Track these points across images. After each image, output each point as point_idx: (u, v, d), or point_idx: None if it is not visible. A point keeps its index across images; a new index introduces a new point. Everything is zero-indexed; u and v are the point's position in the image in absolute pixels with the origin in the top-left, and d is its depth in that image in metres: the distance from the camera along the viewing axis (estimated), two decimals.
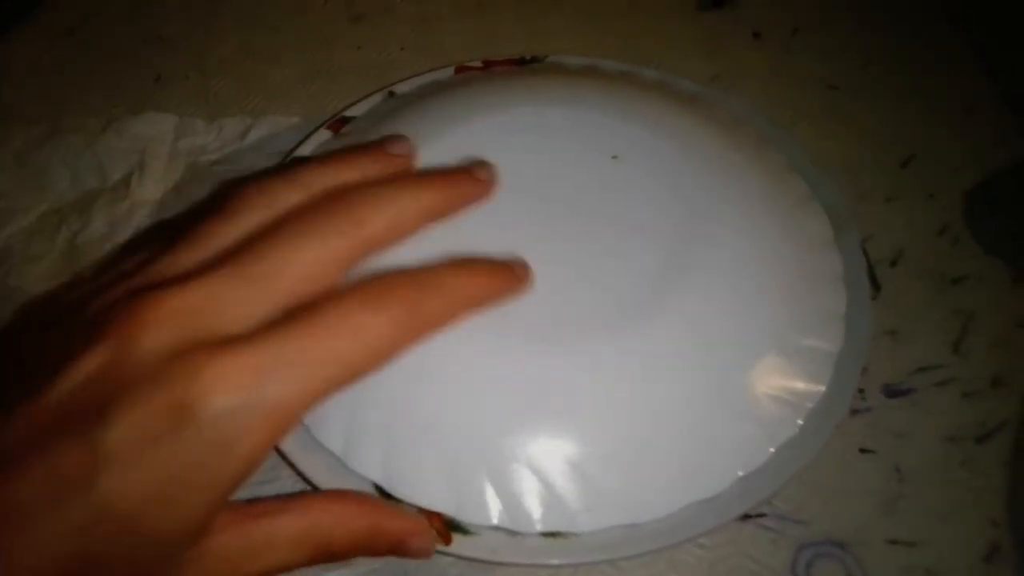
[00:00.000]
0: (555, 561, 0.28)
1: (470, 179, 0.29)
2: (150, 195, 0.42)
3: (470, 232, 0.30)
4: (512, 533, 0.28)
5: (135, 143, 0.44)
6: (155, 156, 0.44)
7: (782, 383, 0.30)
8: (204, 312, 0.22)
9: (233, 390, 0.20)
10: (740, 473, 0.29)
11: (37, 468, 0.20)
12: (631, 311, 0.30)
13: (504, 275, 0.28)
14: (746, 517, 0.32)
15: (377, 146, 0.30)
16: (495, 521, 0.27)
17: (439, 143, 0.33)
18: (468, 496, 0.27)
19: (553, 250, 0.31)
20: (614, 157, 0.34)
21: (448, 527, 0.28)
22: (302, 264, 0.23)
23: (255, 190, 0.25)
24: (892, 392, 0.36)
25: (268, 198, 0.25)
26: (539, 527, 0.27)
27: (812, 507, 0.33)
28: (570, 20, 0.51)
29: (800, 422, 0.30)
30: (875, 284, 0.38)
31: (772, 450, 0.29)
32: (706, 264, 0.31)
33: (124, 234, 0.41)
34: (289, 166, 0.28)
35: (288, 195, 0.25)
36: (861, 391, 0.35)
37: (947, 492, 0.33)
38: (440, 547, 0.28)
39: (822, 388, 0.30)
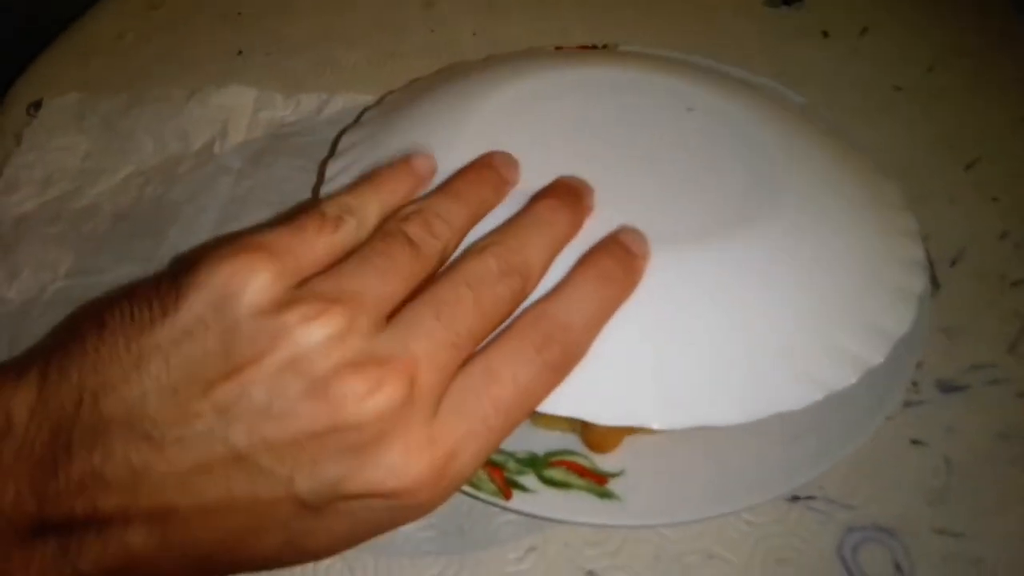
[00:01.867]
0: (606, 522, 0.29)
1: (583, 206, 0.29)
2: (230, 163, 0.44)
3: (553, 165, 0.31)
4: (569, 493, 0.29)
5: (218, 113, 0.46)
6: (236, 126, 0.46)
7: (867, 316, 0.30)
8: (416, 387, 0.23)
9: (426, 488, 0.23)
10: (819, 396, 0.28)
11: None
12: (718, 225, 0.30)
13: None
14: (795, 499, 0.33)
15: (492, 169, 0.30)
16: (563, 411, 0.26)
17: (521, 89, 0.35)
18: None
19: (633, 181, 0.31)
20: (690, 109, 0.35)
21: (509, 484, 0.29)
22: (489, 330, 0.25)
23: (425, 228, 0.26)
24: (946, 387, 0.36)
25: (439, 241, 0.26)
26: (608, 420, 0.27)
27: (861, 493, 0.33)
28: (637, 13, 0.52)
29: (880, 358, 0.29)
30: (934, 281, 0.39)
31: (853, 379, 0.28)
32: (788, 199, 0.31)
33: (206, 197, 0.43)
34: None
35: (451, 236, 0.27)
36: (915, 384, 0.36)
37: (995, 487, 0.34)
38: (500, 502, 0.29)
39: (904, 328, 0.30)
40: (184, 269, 0.23)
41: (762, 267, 0.29)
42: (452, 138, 0.32)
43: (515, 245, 0.26)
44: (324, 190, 0.33)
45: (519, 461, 0.31)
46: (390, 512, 0.23)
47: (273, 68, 0.50)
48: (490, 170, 0.30)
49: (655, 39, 0.49)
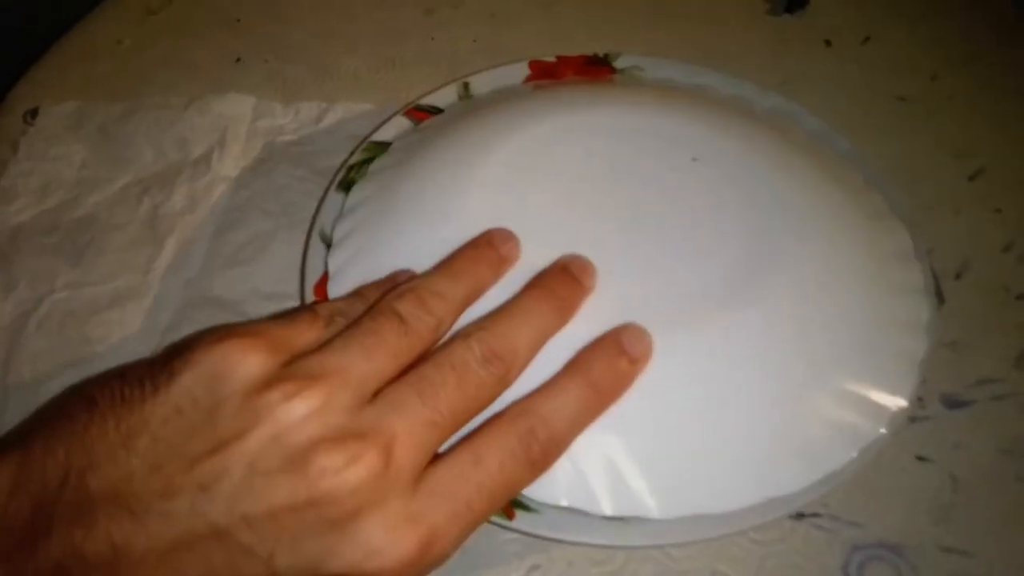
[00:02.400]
0: (611, 542, 0.29)
1: (581, 290, 0.30)
2: (229, 171, 0.44)
3: (555, 227, 0.32)
4: (573, 512, 0.29)
5: (217, 121, 0.46)
6: (235, 135, 0.45)
7: (866, 388, 0.30)
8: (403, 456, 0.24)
9: (406, 568, 0.23)
10: (818, 476, 0.29)
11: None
12: (713, 305, 0.30)
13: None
14: (800, 516, 0.33)
15: (490, 247, 0.31)
16: (564, 503, 0.28)
17: (526, 137, 0.35)
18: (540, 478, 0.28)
19: (634, 244, 0.32)
20: (694, 159, 0.35)
21: (511, 503, 0.29)
22: (471, 413, 0.26)
23: (419, 306, 0.27)
24: (951, 403, 0.36)
25: (433, 318, 0.27)
26: (608, 511, 0.28)
27: (867, 510, 0.33)
28: (638, 22, 0.52)
29: (883, 430, 0.30)
30: (939, 296, 0.38)
31: (853, 455, 0.29)
32: (786, 266, 0.31)
33: (204, 207, 0.43)
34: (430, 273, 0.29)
35: (445, 314, 0.28)
36: (920, 400, 0.36)
37: (1001, 504, 0.33)
38: (503, 522, 0.29)
39: (905, 398, 0.30)
40: (178, 351, 0.24)
41: (756, 346, 0.30)
42: (452, 207, 0.33)
43: (501, 332, 0.27)
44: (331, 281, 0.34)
45: None
46: None
47: (272, 76, 0.49)
48: (489, 248, 0.31)
49: (657, 48, 0.49)
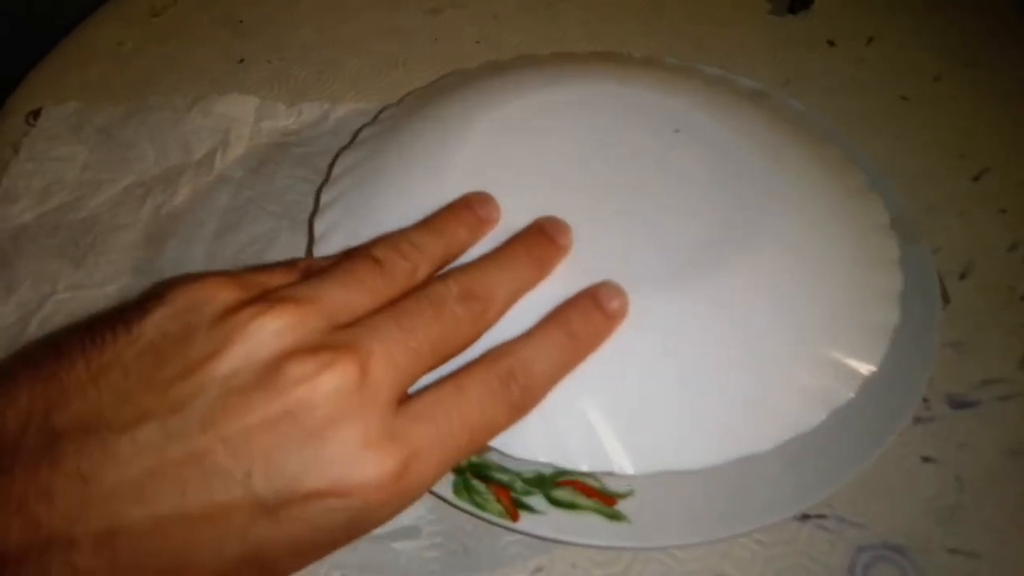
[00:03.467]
0: (614, 543, 0.29)
1: (556, 248, 0.30)
2: (232, 172, 0.44)
3: (537, 192, 0.32)
4: (576, 514, 0.29)
5: (219, 122, 0.46)
6: (238, 136, 0.45)
7: (838, 353, 0.30)
8: (378, 380, 0.23)
9: (385, 488, 0.22)
10: (789, 436, 0.28)
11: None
12: (691, 269, 0.30)
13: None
14: (805, 517, 0.33)
15: (469, 209, 0.31)
16: (542, 459, 0.27)
17: (512, 107, 0.35)
18: (517, 433, 0.27)
19: (614, 210, 0.32)
20: (677, 131, 0.35)
21: (515, 505, 0.29)
22: (450, 348, 0.26)
23: (395, 250, 0.27)
24: (956, 403, 0.36)
25: (409, 263, 0.27)
26: (584, 467, 0.27)
27: (872, 511, 0.33)
28: (640, 22, 0.52)
29: (851, 395, 0.29)
30: (944, 296, 0.38)
31: (823, 416, 0.29)
32: (764, 235, 0.31)
33: (206, 208, 0.43)
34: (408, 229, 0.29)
35: (420, 261, 0.27)
36: (925, 400, 0.35)
37: (1007, 504, 0.33)
38: (507, 523, 0.28)
39: (875, 365, 0.30)
40: (150, 295, 0.24)
41: (732, 310, 0.30)
42: (436, 173, 0.33)
43: (479, 275, 0.27)
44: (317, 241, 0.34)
45: (526, 481, 0.30)
46: (349, 516, 0.22)
47: (275, 76, 0.49)
48: (468, 210, 0.31)
49: (658, 48, 0.49)
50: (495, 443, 0.27)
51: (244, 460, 0.21)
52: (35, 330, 0.38)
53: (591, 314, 0.28)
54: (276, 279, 0.26)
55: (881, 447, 0.31)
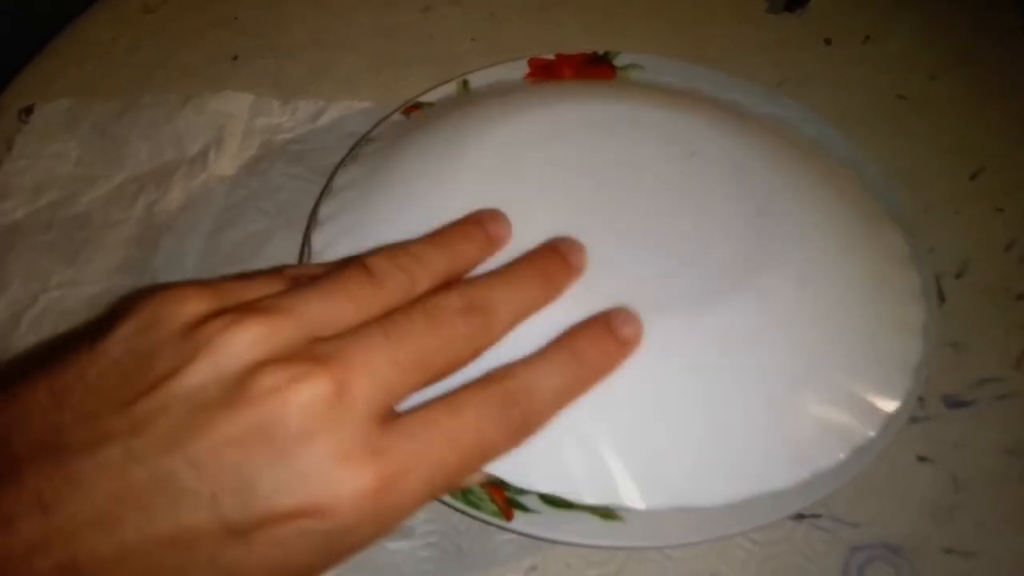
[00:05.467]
0: (609, 543, 0.29)
1: (569, 269, 0.29)
2: (225, 170, 0.44)
3: (548, 213, 0.31)
4: (571, 513, 0.28)
5: (213, 119, 0.46)
6: (232, 133, 0.45)
7: (858, 390, 0.30)
8: (357, 393, 0.22)
9: (363, 507, 0.21)
10: (806, 474, 0.28)
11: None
12: (707, 297, 0.30)
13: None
14: (800, 517, 0.32)
15: (479, 226, 0.29)
16: (545, 489, 0.27)
17: (522, 125, 0.35)
18: (520, 462, 0.27)
19: (628, 233, 0.32)
20: (693, 154, 0.34)
21: (510, 504, 0.29)
22: (444, 364, 0.24)
23: (391, 261, 0.26)
24: (952, 403, 0.36)
25: (405, 275, 0.25)
26: (590, 500, 0.27)
27: (868, 511, 0.33)
28: (637, 20, 0.52)
29: (873, 432, 0.29)
30: (940, 296, 0.38)
31: (843, 455, 0.29)
32: (782, 263, 0.31)
33: (200, 206, 0.42)
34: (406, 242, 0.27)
35: (419, 274, 0.26)
36: (921, 400, 0.35)
37: (1003, 504, 0.33)
38: (500, 523, 0.28)
39: (898, 401, 0.30)
40: (118, 309, 0.23)
41: (749, 341, 0.29)
42: (441, 190, 0.33)
43: (483, 289, 0.26)
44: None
45: None
46: (325, 539, 0.21)
47: (269, 74, 0.49)
48: (477, 227, 0.29)
49: (656, 46, 0.49)
50: (495, 470, 0.27)
51: (211, 481, 0.20)
52: (26, 328, 0.38)
53: (603, 340, 0.27)
54: (257, 289, 0.24)
55: (877, 448, 0.31)
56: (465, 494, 0.29)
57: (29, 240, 0.41)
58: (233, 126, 0.45)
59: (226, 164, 0.44)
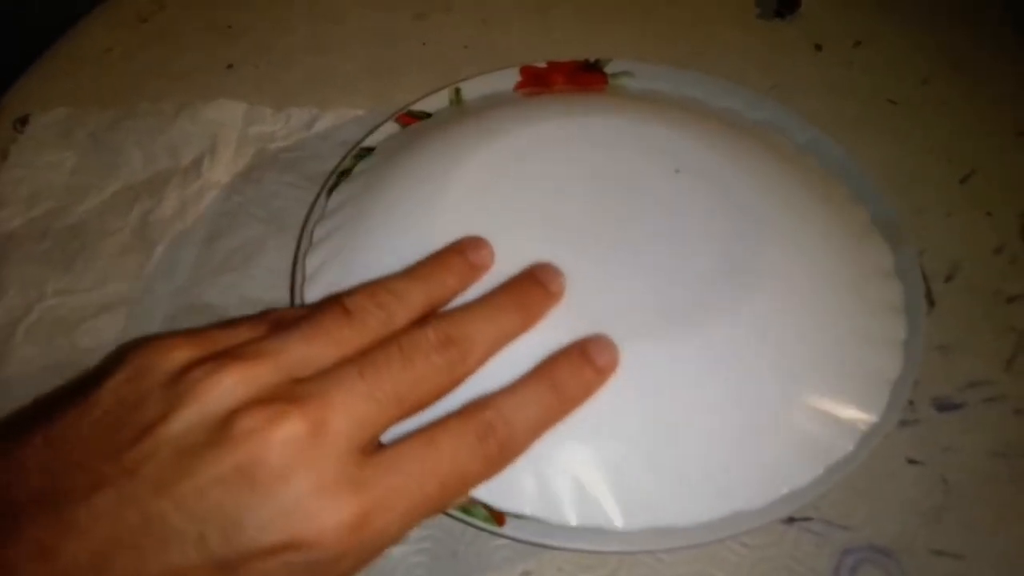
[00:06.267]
0: (600, 548, 0.29)
1: (547, 296, 0.29)
2: (219, 178, 0.44)
3: (532, 235, 0.32)
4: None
5: (207, 128, 0.46)
6: (226, 141, 0.45)
7: (836, 406, 0.30)
8: (336, 430, 0.23)
9: (345, 539, 0.22)
10: (785, 490, 0.29)
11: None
12: (685, 317, 0.30)
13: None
14: (791, 520, 0.33)
15: (460, 255, 0.30)
16: (528, 512, 0.28)
17: (508, 143, 0.35)
18: (504, 485, 0.28)
19: (610, 253, 0.32)
20: (677, 171, 0.34)
21: (502, 511, 0.29)
22: (421, 398, 0.25)
23: (369, 298, 0.26)
24: (942, 406, 0.36)
25: (383, 312, 0.26)
26: (573, 521, 0.28)
27: (858, 514, 0.33)
28: (630, 26, 0.52)
29: (851, 447, 0.30)
30: (930, 299, 0.38)
31: (819, 472, 0.29)
32: (762, 281, 0.31)
33: (194, 213, 0.43)
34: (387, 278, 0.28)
35: (397, 309, 0.27)
36: (911, 403, 0.36)
37: (993, 506, 0.33)
38: (493, 528, 0.28)
39: (875, 416, 0.30)
40: (108, 362, 0.24)
41: (727, 360, 0.30)
42: (430, 211, 0.33)
43: (458, 322, 0.27)
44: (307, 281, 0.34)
45: None
46: (308, 571, 0.22)
47: (263, 81, 0.49)
48: (458, 256, 0.30)
49: (648, 52, 0.49)
50: (480, 495, 0.28)
51: (197, 520, 0.21)
52: (22, 338, 0.38)
53: (580, 369, 0.28)
54: (239, 336, 0.25)
55: (867, 451, 0.31)
56: None
57: (25, 249, 0.42)
58: (227, 134, 0.46)
59: (220, 172, 0.44)
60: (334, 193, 0.37)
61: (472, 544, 0.32)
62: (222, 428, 0.22)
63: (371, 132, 0.41)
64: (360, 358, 0.24)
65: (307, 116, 0.47)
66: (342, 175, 0.39)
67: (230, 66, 0.50)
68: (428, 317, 0.27)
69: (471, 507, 0.29)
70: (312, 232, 0.36)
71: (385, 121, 0.41)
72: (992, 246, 0.41)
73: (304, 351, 0.24)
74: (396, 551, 0.32)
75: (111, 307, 0.39)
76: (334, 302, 0.26)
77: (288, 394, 0.23)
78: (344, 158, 0.40)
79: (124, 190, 0.44)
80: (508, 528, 0.29)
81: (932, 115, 0.47)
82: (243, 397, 0.22)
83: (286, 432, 0.22)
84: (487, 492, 0.28)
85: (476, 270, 0.30)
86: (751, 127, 0.40)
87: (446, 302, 0.29)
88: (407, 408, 0.25)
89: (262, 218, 0.43)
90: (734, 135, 0.38)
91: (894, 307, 0.33)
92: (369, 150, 0.40)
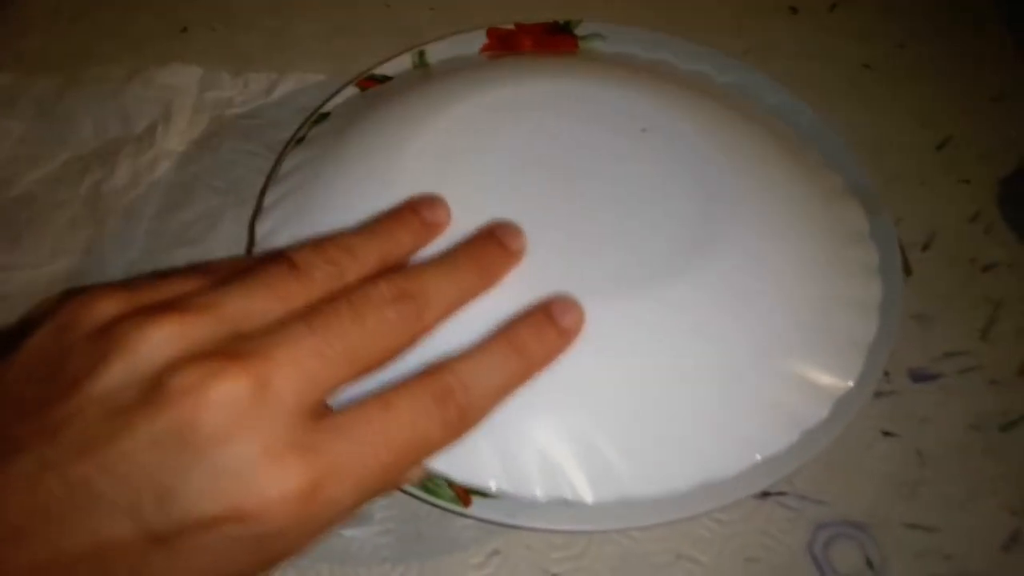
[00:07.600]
0: (569, 527, 0.28)
1: (507, 254, 0.28)
2: (174, 146, 0.42)
3: (493, 195, 0.31)
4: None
5: (161, 93, 0.44)
6: (180, 108, 0.43)
7: (810, 371, 0.29)
8: (281, 386, 0.21)
9: (292, 510, 0.20)
10: (758, 457, 0.28)
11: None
12: (652, 278, 0.29)
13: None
14: (765, 495, 0.32)
15: (414, 212, 0.28)
16: (493, 486, 0.27)
17: (469, 106, 0.34)
18: (467, 458, 0.27)
19: (574, 213, 0.31)
20: (643, 130, 0.33)
21: (467, 490, 0.28)
22: (374, 355, 0.23)
23: (317, 253, 0.25)
24: (918, 376, 0.35)
25: (333, 267, 0.24)
26: (540, 495, 0.27)
27: (832, 488, 0.32)
28: None
29: (825, 413, 0.29)
30: (907, 268, 0.38)
31: (794, 438, 0.28)
32: (731, 242, 0.30)
33: (148, 184, 0.41)
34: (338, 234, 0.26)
35: (348, 264, 0.25)
36: (886, 374, 0.35)
37: (968, 479, 0.33)
38: (459, 509, 0.28)
39: (850, 382, 0.30)
40: (35, 316, 0.22)
41: (695, 323, 0.29)
42: (385, 174, 0.32)
43: (414, 276, 0.25)
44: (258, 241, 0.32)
45: None
46: (254, 544, 0.20)
47: (220, 45, 0.47)
48: (412, 214, 0.28)
49: (620, 14, 0.47)
50: (440, 467, 0.26)
51: (128, 487, 0.19)
52: None
53: (543, 330, 0.26)
54: (175, 287, 0.23)
55: (842, 424, 0.30)
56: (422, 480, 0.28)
57: None
58: (182, 101, 0.44)
59: (175, 140, 0.42)
60: (286, 159, 0.36)
61: (438, 524, 0.32)
62: (153, 386, 0.19)
63: (331, 97, 0.39)
64: (308, 313, 0.22)
65: (266, 81, 0.45)
66: (300, 142, 0.37)
67: (185, 29, 0.48)
68: (382, 273, 0.25)
69: (435, 487, 0.28)
70: (262, 197, 0.34)
71: (345, 85, 0.40)
72: (968, 214, 0.40)
73: (245, 305, 0.22)
74: (360, 531, 0.31)
75: (61, 283, 0.38)
76: (280, 257, 0.24)
77: (227, 350, 0.20)
78: (303, 124, 0.38)
79: (74, 160, 0.42)
80: (474, 509, 0.28)
81: (907, 80, 0.46)
82: (177, 352, 0.20)
83: (225, 390, 0.20)
84: (449, 465, 0.26)
85: (432, 228, 0.28)
86: (723, 91, 0.39)
87: (399, 261, 0.27)
88: (359, 367, 0.23)
89: (220, 188, 0.41)
90: (705, 99, 0.36)
91: (869, 269, 0.32)
92: (327, 115, 0.38)
